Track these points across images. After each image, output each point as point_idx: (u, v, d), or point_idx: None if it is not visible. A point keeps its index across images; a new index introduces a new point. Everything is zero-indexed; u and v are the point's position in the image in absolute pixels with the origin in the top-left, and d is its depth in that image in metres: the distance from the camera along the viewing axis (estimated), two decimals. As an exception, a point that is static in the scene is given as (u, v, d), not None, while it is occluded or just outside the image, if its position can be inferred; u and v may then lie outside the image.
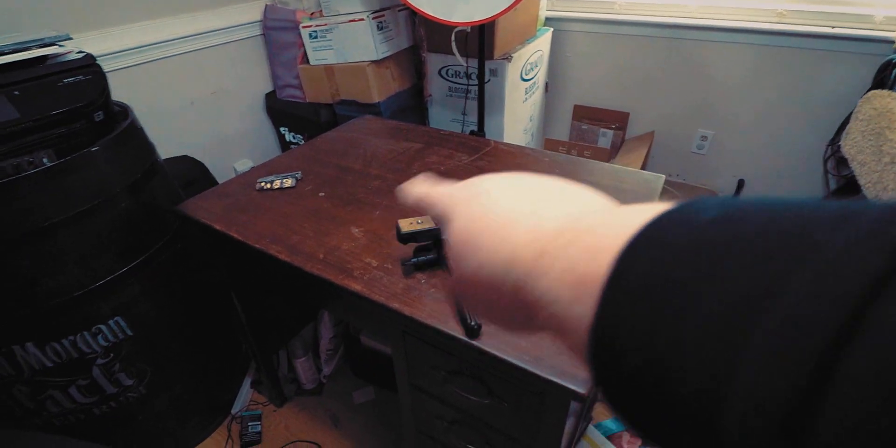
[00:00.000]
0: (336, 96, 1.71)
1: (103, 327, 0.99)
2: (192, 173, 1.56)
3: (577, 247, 0.17)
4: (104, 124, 1.05)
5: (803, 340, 0.10)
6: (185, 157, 1.61)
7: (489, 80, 1.65)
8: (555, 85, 2.14)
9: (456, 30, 1.52)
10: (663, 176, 1.00)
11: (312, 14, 1.74)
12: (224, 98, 1.75)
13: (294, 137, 1.87)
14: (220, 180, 1.73)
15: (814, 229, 0.12)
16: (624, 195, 0.96)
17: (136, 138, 1.08)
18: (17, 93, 0.92)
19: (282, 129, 1.90)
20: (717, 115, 1.90)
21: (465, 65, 1.63)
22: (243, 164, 1.85)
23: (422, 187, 0.28)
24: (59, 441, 0.75)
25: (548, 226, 0.19)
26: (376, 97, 1.64)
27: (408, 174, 1.07)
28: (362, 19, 1.51)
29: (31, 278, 0.90)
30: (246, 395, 1.37)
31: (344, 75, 1.65)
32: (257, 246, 0.87)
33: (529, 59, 1.79)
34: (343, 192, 1.02)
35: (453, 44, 1.54)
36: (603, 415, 1.27)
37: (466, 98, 1.74)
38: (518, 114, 1.85)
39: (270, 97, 1.87)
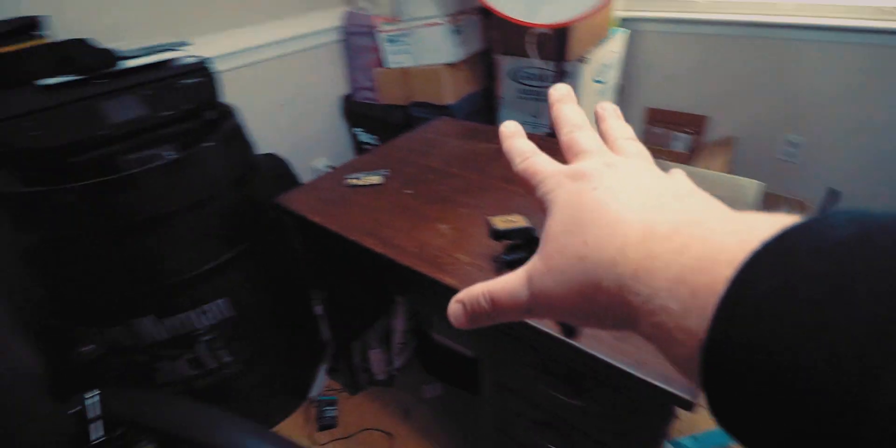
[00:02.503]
0: (410, 98, 1.77)
1: (210, 307, 1.08)
2: (278, 169, 1.67)
3: (690, 254, 0.16)
4: (212, 123, 1.15)
5: None
6: (271, 154, 1.72)
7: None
8: (628, 87, 2.12)
9: (535, 31, 1.54)
10: (761, 183, 0.96)
11: (390, 19, 1.81)
12: (306, 100, 1.85)
13: (368, 138, 1.95)
14: (303, 177, 1.84)
15: None
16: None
17: (239, 136, 1.18)
18: (147, 92, 1.03)
19: (356, 129, 1.98)
20: (809, 120, 1.80)
21: (542, 67, 1.64)
22: (320, 162, 1.95)
23: (529, 148, 0.25)
24: (173, 399, 0.83)
25: (662, 227, 0.18)
26: (450, 99, 1.69)
27: (488, 174, 1.11)
28: (440, 23, 1.57)
29: (153, 259, 1.01)
30: (322, 381, 1.45)
31: (419, 78, 1.70)
32: (352, 238, 0.92)
33: (603, 61, 1.79)
34: (428, 190, 1.06)
35: (531, 46, 1.57)
36: (679, 432, 1.25)
37: (539, 100, 1.76)
38: (590, 116, 1.84)
39: (347, 99, 1.96)
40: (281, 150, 1.76)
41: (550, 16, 1.36)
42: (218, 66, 1.53)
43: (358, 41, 1.83)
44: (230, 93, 1.55)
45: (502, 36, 1.71)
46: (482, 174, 1.11)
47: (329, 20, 1.82)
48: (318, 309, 1.44)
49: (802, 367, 0.12)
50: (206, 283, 1.07)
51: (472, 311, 0.24)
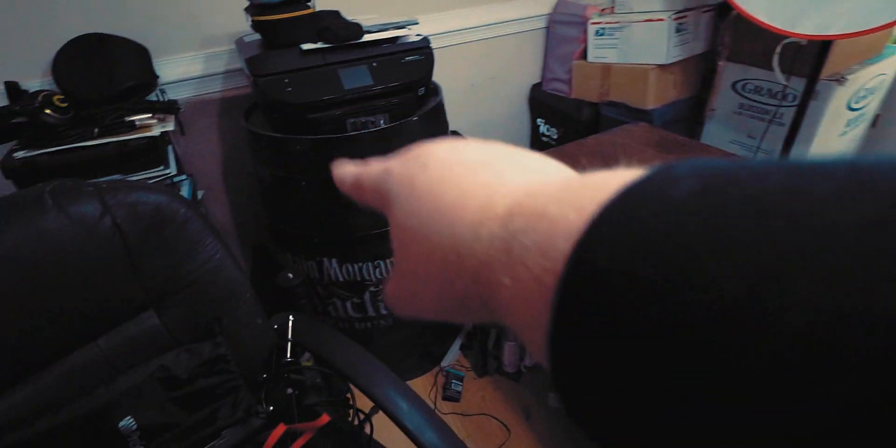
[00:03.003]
0: (605, 96, 1.70)
1: (381, 263, 1.20)
2: (457, 148, 1.75)
3: (530, 236, 0.14)
4: (421, 99, 1.24)
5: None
6: (455, 132, 1.80)
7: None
8: (887, 119, 1.76)
9: (785, 41, 1.34)
10: None
11: (603, 10, 1.74)
12: (496, 84, 1.89)
13: (548, 130, 1.94)
14: (475, 158, 1.91)
15: (819, 206, 0.09)
16: None
17: (440, 114, 1.25)
18: (374, 64, 1.14)
19: (538, 120, 1.98)
20: None
21: (780, 82, 1.44)
22: (495, 147, 1.99)
23: (353, 167, 0.24)
24: (336, 334, 0.93)
25: (500, 204, 0.16)
26: (651, 104, 1.58)
27: None
28: (662, 19, 1.46)
29: (349, 212, 1.14)
30: (454, 354, 1.52)
31: (621, 76, 1.62)
32: None
33: (866, 84, 1.50)
34: None
35: (776, 57, 1.37)
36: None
37: (770, 121, 1.54)
38: (829, 149, 1.57)
39: (536, 88, 1.96)
40: (461, 129, 1.84)
41: (820, 25, 1.16)
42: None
43: (562, 30, 1.81)
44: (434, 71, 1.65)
45: (734, 40, 1.54)
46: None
47: (540, 7, 1.82)
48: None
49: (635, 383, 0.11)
50: (384, 242, 1.18)
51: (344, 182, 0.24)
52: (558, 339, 0.13)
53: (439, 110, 1.23)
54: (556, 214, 0.14)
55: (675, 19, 1.47)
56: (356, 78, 1.09)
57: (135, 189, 0.69)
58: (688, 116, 1.74)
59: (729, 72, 1.60)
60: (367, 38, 1.12)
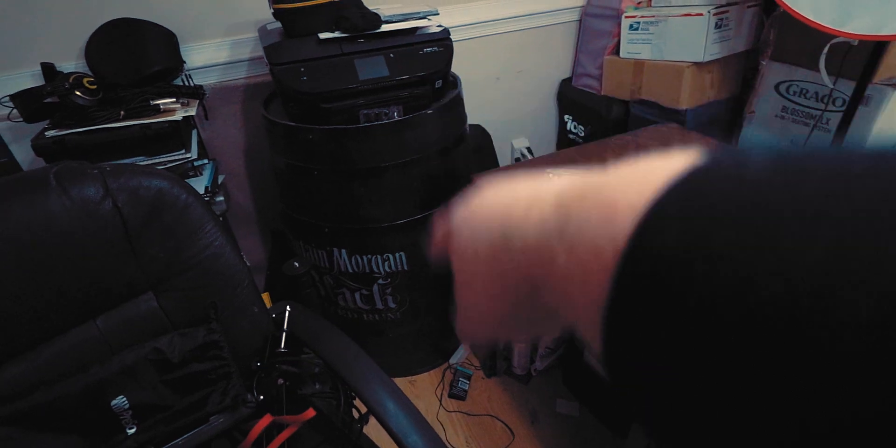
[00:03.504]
0: (636, 94, 1.63)
1: (391, 256, 1.19)
2: (479, 141, 1.72)
3: (586, 215, 0.14)
4: (438, 91, 1.22)
5: None
6: (477, 125, 1.77)
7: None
8: None
9: (833, 40, 1.24)
10: None
11: (639, 3, 1.67)
12: (524, 78, 1.85)
13: (575, 127, 1.88)
14: (499, 152, 1.87)
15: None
16: None
17: (457, 107, 1.23)
18: (392, 55, 1.13)
19: (566, 116, 1.92)
20: None
21: (828, 85, 1.34)
22: (520, 142, 1.95)
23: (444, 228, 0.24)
24: (331, 328, 0.93)
25: (548, 194, 0.17)
26: (685, 104, 1.50)
27: None
28: (701, 14, 1.38)
29: (359, 203, 1.14)
30: (463, 351, 1.51)
31: (654, 73, 1.55)
32: None
33: None
34: None
35: (822, 58, 1.28)
36: None
37: (815, 126, 1.44)
38: None
39: (565, 84, 1.90)
40: (486, 123, 1.80)
41: (872, 24, 1.06)
42: (452, 36, 1.61)
43: (595, 24, 1.74)
44: (454, 59, 1.62)
45: (780, 38, 1.44)
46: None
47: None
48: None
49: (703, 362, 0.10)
50: (394, 235, 1.17)
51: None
52: (617, 314, 0.12)
53: (456, 103, 1.21)
54: (614, 193, 0.14)
55: (716, 14, 1.39)
56: (372, 68, 1.08)
57: (137, 173, 0.70)
58: (725, 119, 1.65)
59: (773, 72, 1.50)
60: (385, 28, 1.10)
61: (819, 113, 1.42)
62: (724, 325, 0.10)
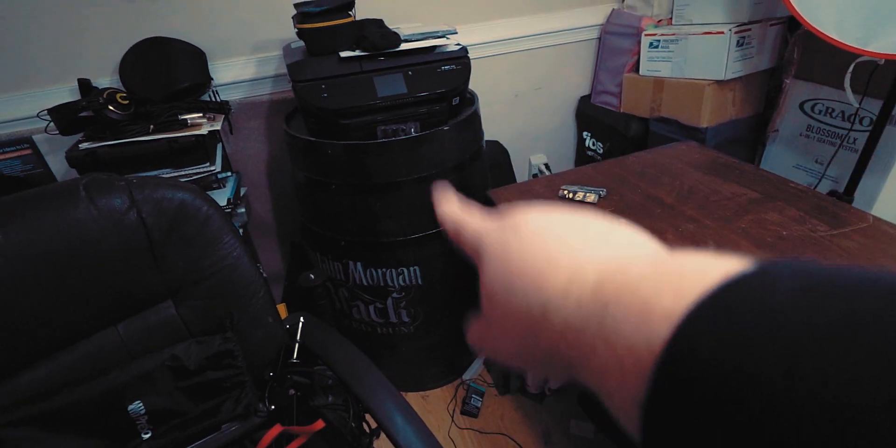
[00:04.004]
0: (655, 112, 1.63)
1: (405, 270, 1.20)
2: (496, 157, 1.73)
3: (623, 311, 0.15)
4: (455, 108, 1.23)
5: None
6: (495, 142, 1.79)
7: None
8: None
9: (858, 59, 1.23)
10: None
11: (660, 21, 1.67)
12: (543, 95, 1.86)
13: (594, 144, 1.88)
14: (517, 168, 1.88)
15: None
16: None
17: (474, 124, 1.24)
18: (410, 73, 1.15)
19: (584, 133, 1.92)
20: None
21: (853, 104, 1.32)
22: (538, 159, 1.96)
23: (456, 210, 0.26)
24: (343, 341, 0.94)
25: (589, 273, 0.17)
26: (705, 122, 1.49)
27: (733, 227, 0.91)
28: (722, 33, 1.38)
29: (376, 217, 1.15)
30: (477, 367, 1.50)
31: (674, 91, 1.55)
32: None
33: None
34: (647, 226, 0.96)
35: (848, 76, 1.26)
36: None
37: (840, 146, 1.41)
38: None
39: (584, 101, 1.91)
40: (504, 139, 1.82)
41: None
42: (474, 53, 1.64)
43: (615, 42, 1.75)
44: (473, 76, 1.65)
45: (805, 57, 1.43)
46: (726, 224, 0.93)
47: (592, 17, 1.77)
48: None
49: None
50: (409, 249, 1.18)
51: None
52: (654, 414, 0.13)
53: (473, 120, 1.22)
54: (650, 295, 0.15)
55: (737, 32, 1.38)
56: (390, 86, 1.11)
57: (161, 186, 0.73)
58: (747, 137, 1.63)
59: (797, 90, 1.48)
60: (404, 46, 1.13)
61: (845, 132, 1.39)
62: (750, 439, 0.11)
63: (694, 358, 0.13)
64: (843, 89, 1.30)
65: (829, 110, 1.43)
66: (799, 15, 1.17)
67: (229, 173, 1.39)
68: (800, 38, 1.41)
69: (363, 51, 1.10)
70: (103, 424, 0.69)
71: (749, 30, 1.40)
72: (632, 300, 0.15)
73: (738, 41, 1.39)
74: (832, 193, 1.30)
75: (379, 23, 1.23)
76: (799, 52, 1.43)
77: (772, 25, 1.45)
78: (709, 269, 0.14)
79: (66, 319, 0.69)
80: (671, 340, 0.13)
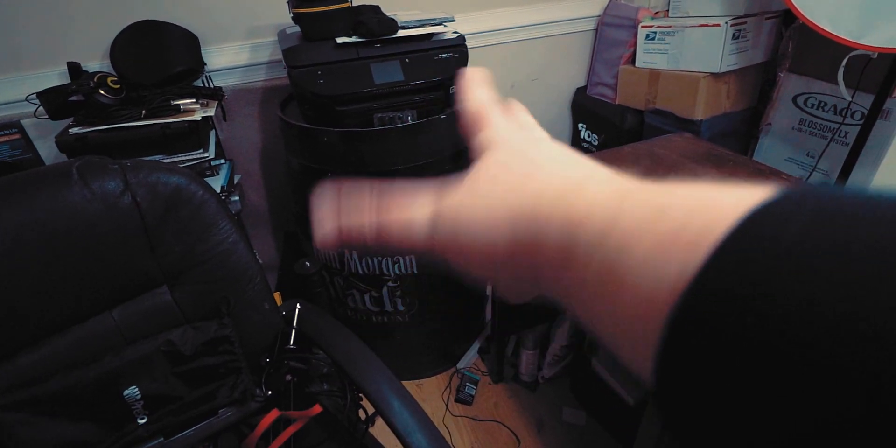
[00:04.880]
0: (650, 104, 1.63)
1: (401, 259, 1.20)
2: (491, 149, 1.73)
3: (636, 236, 0.14)
4: (451, 96, 1.23)
5: None
6: (490, 133, 1.78)
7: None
8: None
9: (852, 52, 1.24)
10: None
11: (656, 13, 1.67)
12: (539, 86, 1.86)
13: (589, 136, 1.88)
14: (510, 160, 1.88)
15: None
16: None
17: (471, 112, 1.24)
18: (407, 60, 1.14)
19: (580, 125, 1.93)
20: None
21: (846, 98, 1.33)
22: (532, 150, 1.95)
23: (485, 101, 0.24)
24: (340, 327, 0.94)
25: (631, 184, 0.16)
26: (700, 114, 1.50)
27: None
28: (718, 25, 1.38)
29: (370, 207, 1.15)
30: (472, 356, 1.51)
31: (669, 83, 1.55)
32: None
33: None
34: None
35: (841, 70, 1.27)
36: None
37: (832, 139, 1.43)
38: None
39: (579, 92, 1.91)
40: (501, 131, 1.81)
41: (892, 37, 1.05)
42: (468, 43, 1.63)
43: (611, 33, 1.75)
44: (470, 66, 1.64)
45: (798, 50, 1.44)
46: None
47: (589, 8, 1.76)
48: (489, 289, 1.48)
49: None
50: (404, 238, 1.18)
51: (348, 237, 0.20)
52: (678, 355, 0.12)
53: (471, 109, 1.22)
54: (669, 225, 0.13)
55: (733, 25, 1.39)
56: (387, 73, 1.10)
57: (156, 169, 0.72)
58: (741, 130, 1.64)
59: (790, 84, 1.49)
60: (401, 33, 1.12)
61: (837, 126, 1.41)
62: (807, 381, 0.10)
63: (734, 292, 0.11)
64: (836, 83, 1.31)
65: (822, 104, 1.44)
66: (794, 7, 1.18)
67: (223, 161, 1.38)
68: (794, 32, 1.42)
69: (360, 37, 1.09)
70: (98, 409, 0.69)
71: (745, 23, 1.41)
72: (647, 231, 0.14)
73: (733, 34, 1.39)
74: (824, 184, 1.32)
75: (376, 9, 1.21)
76: (793, 46, 1.44)
77: (767, 19, 1.45)
78: (739, 192, 0.13)
79: (60, 304, 0.68)
80: (702, 273, 0.12)
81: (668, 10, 1.60)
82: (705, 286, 0.12)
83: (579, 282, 0.15)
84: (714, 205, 0.13)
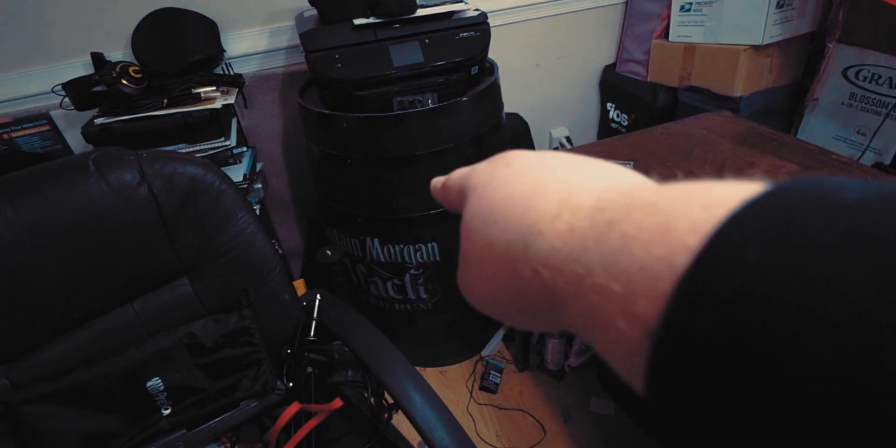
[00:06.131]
0: (685, 80, 1.54)
1: (423, 246, 1.18)
2: (516, 130, 1.68)
3: (630, 226, 0.12)
4: (474, 78, 1.18)
5: None
6: (514, 114, 1.72)
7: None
8: None
9: None
10: None
11: (693, -17, 1.56)
12: (565, 64, 1.78)
13: (618, 116, 1.80)
14: (537, 141, 1.82)
15: None
16: None
17: (494, 95, 1.19)
18: (427, 41, 1.10)
19: (608, 104, 1.84)
20: None
21: None
22: (559, 132, 1.89)
23: (442, 177, 0.24)
24: (360, 318, 0.92)
25: (584, 199, 0.15)
26: (739, 90, 1.40)
27: None
28: (761, -7, 1.28)
29: (392, 193, 1.12)
30: (496, 344, 1.49)
31: (706, 58, 1.46)
32: None
33: None
34: None
35: None
36: None
37: (887, 115, 1.32)
38: None
39: (608, 70, 1.82)
40: (524, 111, 1.75)
41: None
42: (490, 21, 1.56)
43: (642, 5, 1.65)
44: (492, 45, 1.57)
45: (850, 19, 1.32)
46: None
47: (620, -20, 1.67)
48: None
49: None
50: (426, 225, 1.15)
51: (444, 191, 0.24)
52: (671, 349, 0.11)
53: (493, 91, 1.17)
54: (672, 208, 0.12)
55: (778, -7, 1.28)
56: (407, 55, 1.06)
57: (172, 160, 0.71)
58: (784, 106, 1.54)
59: (840, 55, 1.38)
60: (420, 12, 1.07)
61: (893, 101, 1.30)
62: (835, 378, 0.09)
63: (738, 276, 0.10)
64: (893, 54, 1.20)
65: (876, 77, 1.33)
66: (850, -30, 1.07)
67: (245, 148, 1.37)
68: (846, 2, 1.31)
69: (378, 17, 1.05)
70: (123, 400, 0.70)
71: (791, -11, 1.30)
72: (645, 216, 0.12)
73: (778, 2, 1.29)
74: (877, 166, 1.22)
75: (393, -12, 1.17)
76: (844, 14, 1.33)
77: (816, -16, 1.34)
78: (738, 187, 0.12)
79: (81, 296, 0.68)
80: (706, 249, 0.10)
81: (705, -21, 1.49)
82: (713, 258, 0.10)
83: (576, 286, 0.14)
84: (716, 190, 0.12)
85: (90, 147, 1.15)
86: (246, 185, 1.25)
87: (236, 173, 1.25)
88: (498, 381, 1.39)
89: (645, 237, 0.12)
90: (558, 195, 0.16)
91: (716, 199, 0.12)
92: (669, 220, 0.12)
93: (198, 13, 1.30)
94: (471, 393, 1.40)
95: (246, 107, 1.42)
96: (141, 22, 1.27)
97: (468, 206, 0.19)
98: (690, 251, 0.11)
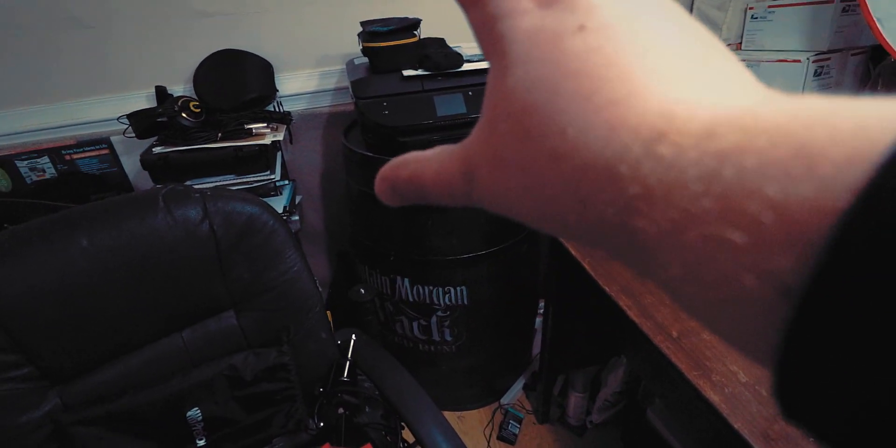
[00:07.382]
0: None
1: (452, 289, 1.20)
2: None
3: (761, 158, 0.09)
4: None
5: None
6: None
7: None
8: None
9: None
10: None
11: (728, 46, 1.62)
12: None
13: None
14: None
15: None
16: None
17: (532, 144, 1.23)
18: (470, 93, 1.16)
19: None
20: None
21: None
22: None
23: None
24: (393, 362, 0.94)
25: (694, 114, 0.11)
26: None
27: None
28: (798, 61, 1.32)
29: (426, 234, 1.16)
30: (516, 392, 1.47)
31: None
32: (606, 288, 0.86)
33: None
34: None
35: None
36: None
37: None
38: None
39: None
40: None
41: None
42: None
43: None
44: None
45: (890, 90, 1.35)
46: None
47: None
48: (538, 322, 1.45)
49: None
50: (457, 269, 1.18)
51: (403, 195, 0.18)
52: (834, 308, 0.08)
53: (532, 142, 1.21)
54: (813, 138, 0.09)
55: (815, 61, 1.32)
56: (450, 105, 1.11)
57: (233, 199, 0.76)
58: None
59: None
60: (466, 67, 1.13)
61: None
62: None
63: None
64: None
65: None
66: (887, 43, 1.11)
67: (286, 181, 1.43)
68: (885, 70, 1.34)
69: (426, 70, 1.12)
70: (163, 428, 0.72)
71: (828, 59, 1.34)
72: (783, 144, 0.10)
73: (815, 70, 1.33)
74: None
75: (441, 42, 1.24)
76: (883, 84, 1.36)
77: (853, 55, 1.38)
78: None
79: (139, 323, 0.72)
80: (879, 176, 0.08)
81: (741, 43, 1.54)
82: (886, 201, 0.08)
83: (675, 220, 0.11)
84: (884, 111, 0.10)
85: (145, 173, 1.22)
86: (285, 217, 1.30)
87: (277, 205, 1.30)
88: (517, 432, 1.37)
89: (780, 170, 0.09)
90: (659, 106, 0.11)
91: (875, 122, 0.09)
92: (815, 150, 0.09)
93: (256, 55, 1.39)
94: (488, 441, 1.38)
95: (291, 143, 1.49)
96: (204, 60, 1.37)
97: (510, 76, 0.13)
98: (852, 183, 0.08)
